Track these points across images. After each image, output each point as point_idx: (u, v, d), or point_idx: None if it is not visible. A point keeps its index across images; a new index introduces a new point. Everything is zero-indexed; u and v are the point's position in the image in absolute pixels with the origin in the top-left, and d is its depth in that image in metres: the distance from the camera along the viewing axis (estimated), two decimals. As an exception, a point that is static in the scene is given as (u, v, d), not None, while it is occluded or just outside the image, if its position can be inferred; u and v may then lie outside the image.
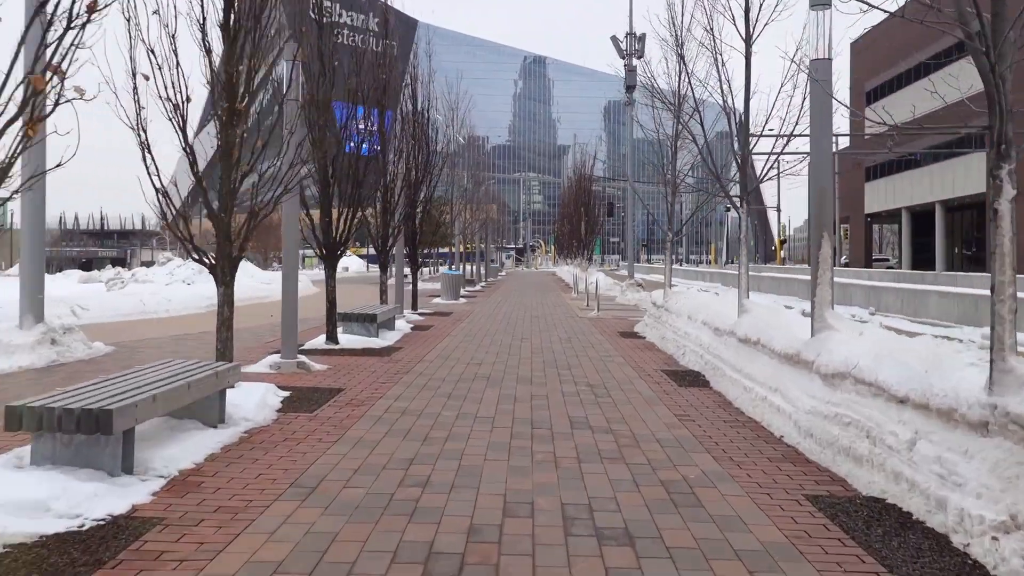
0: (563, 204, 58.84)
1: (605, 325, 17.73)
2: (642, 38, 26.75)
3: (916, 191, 58.01)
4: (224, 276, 8.05)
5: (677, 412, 7.71)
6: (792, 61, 8.59)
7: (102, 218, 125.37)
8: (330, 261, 12.23)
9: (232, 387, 7.27)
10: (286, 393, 8.29)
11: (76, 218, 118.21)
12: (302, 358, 10.23)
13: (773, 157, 9.97)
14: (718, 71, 9.77)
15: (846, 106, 7.92)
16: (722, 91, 9.79)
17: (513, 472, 5.48)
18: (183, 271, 25.35)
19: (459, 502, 4.78)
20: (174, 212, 7.90)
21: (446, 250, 45.63)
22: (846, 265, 72.87)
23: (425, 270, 57.17)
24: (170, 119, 7.73)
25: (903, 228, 63.17)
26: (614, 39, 26.61)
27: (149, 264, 39.15)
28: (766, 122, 9.70)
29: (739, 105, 9.72)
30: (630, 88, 26.78)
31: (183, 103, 7.77)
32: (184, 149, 7.81)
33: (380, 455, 5.92)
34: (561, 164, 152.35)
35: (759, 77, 9.60)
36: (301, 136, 9.22)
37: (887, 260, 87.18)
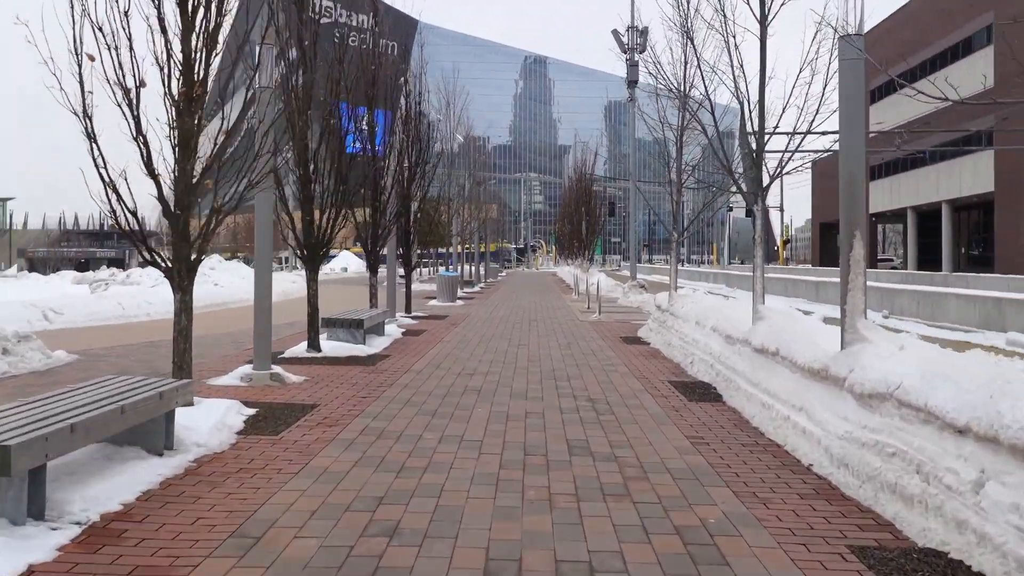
0: (564, 203, 57.97)
1: (607, 329, 16.88)
2: (644, 31, 25.89)
3: (922, 190, 57.09)
4: (181, 281, 7.21)
5: (689, 434, 6.85)
6: (818, 34, 7.73)
7: (101, 218, 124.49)
8: (311, 263, 11.38)
9: (187, 406, 6.44)
10: (252, 411, 7.44)
11: (76, 219, 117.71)
12: (276, 369, 9.38)
13: (788, 150, 9.11)
14: (730, 55, 8.91)
15: (900, 81, 7.03)
16: (734, 77, 8.93)
17: (499, 515, 4.62)
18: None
19: (431, 559, 3.93)
20: (126, 209, 7.05)
21: (445, 250, 44.81)
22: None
23: (425, 271, 56.38)
24: (119, 105, 6.88)
25: (908, 228, 62.22)
26: (615, 33, 25.75)
27: (144, 265, 38.42)
28: (783, 111, 8.85)
29: (753, 93, 8.87)
30: (632, 83, 25.92)
31: (135, 87, 6.93)
32: (135, 139, 6.96)
33: (345, 491, 5.06)
34: (562, 164, 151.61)
35: (774, 63, 8.75)
36: (268, 125, 8.35)
37: (891, 260, 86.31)
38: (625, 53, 25.92)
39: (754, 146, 8.74)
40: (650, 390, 9.18)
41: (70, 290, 25.82)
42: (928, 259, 58.69)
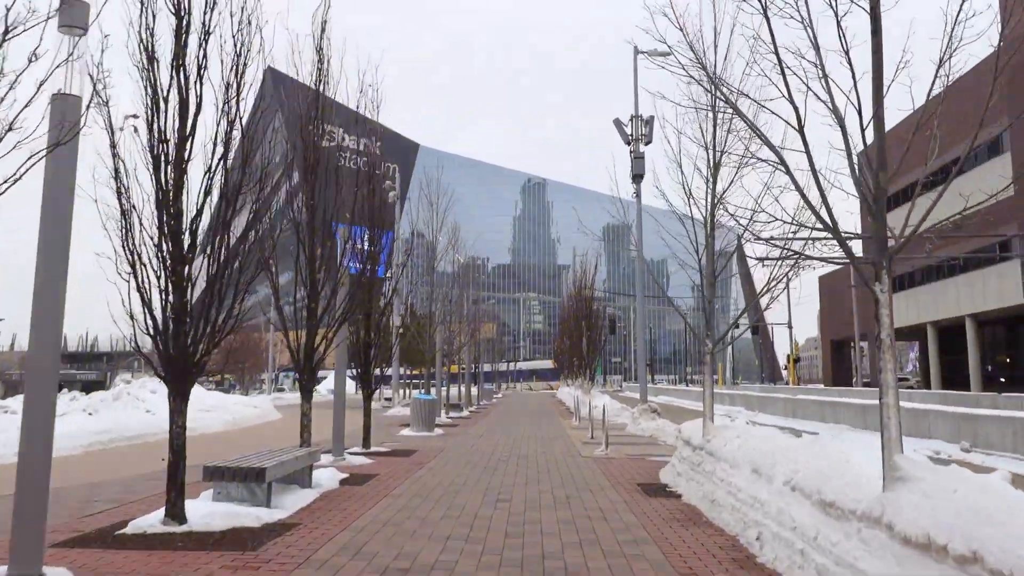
0: (563, 320, 54.54)
1: (618, 470, 12.85)
2: (649, 121, 22.96)
3: (941, 304, 53.59)
4: None
5: None
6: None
7: (89, 339, 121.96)
8: (178, 388, 7.50)
9: None
10: None
11: (65, 340, 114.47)
12: (55, 572, 5.38)
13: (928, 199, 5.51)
14: (813, 39, 5.39)
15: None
16: (824, 78, 5.40)
17: None
18: (85, 400, 20.58)
19: None
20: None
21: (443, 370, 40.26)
22: (866, 385, 67.75)
23: (413, 392, 52.00)
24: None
25: (929, 345, 58.28)
26: (617, 123, 22.77)
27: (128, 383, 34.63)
28: (915, 131, 5.28)
29: (863, 97, 5.30)
30: (637, 177, 22.78)
31: None
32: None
33: None
34: (561, 283, 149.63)
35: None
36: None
37: (907, 380, 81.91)
38: (628, 144, 22.86)
39: (871, 186, 5.09)
40: (712, 608, 5.19)
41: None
42: (953, 378, 54.61)
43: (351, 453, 14.88)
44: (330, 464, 12.77)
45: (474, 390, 42.81)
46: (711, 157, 10.16)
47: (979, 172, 43.51)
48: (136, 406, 21.59)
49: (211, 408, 24.70)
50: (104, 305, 6.99)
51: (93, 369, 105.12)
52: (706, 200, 10.79)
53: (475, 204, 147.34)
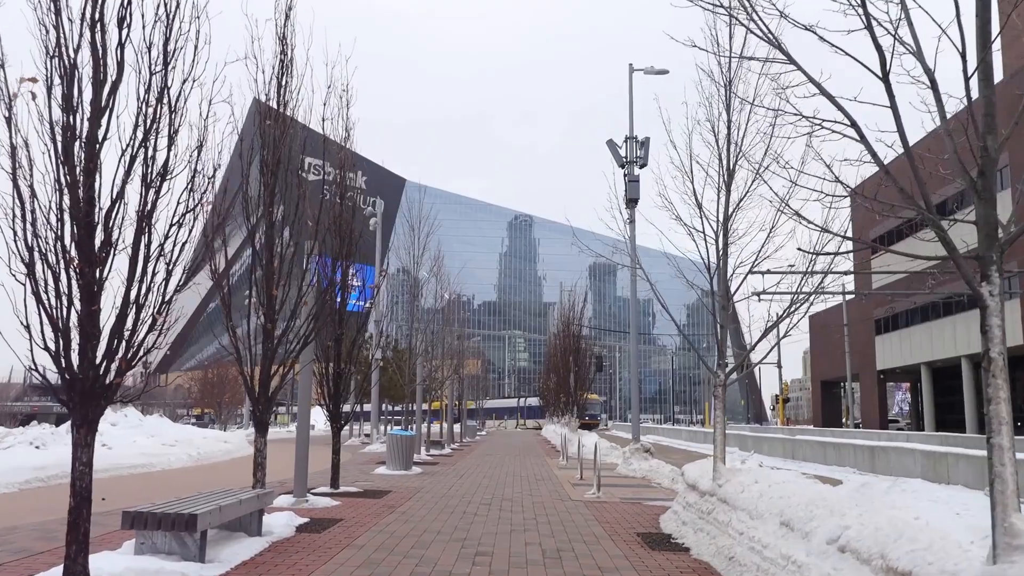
0: (549, 354, 53.18)
1: (614, 517, 11.44)
2: (645, 143, 21.90)
3: (936, 345, 52.48)
4: None
5: None
6: None
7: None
8: (84, 415, 6.09)
9: None
10: None
11: (44, 371, 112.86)
12: None
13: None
14: None
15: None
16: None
17: None
18: (35, 431, 18.97)
19: None
20: None
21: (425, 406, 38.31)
22: (857, 426, 66.35)
23: (397, 428, 50.25)
24: None
25: (923, 386, 57.02)
26: (611, 144, 21.67)
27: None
28: None
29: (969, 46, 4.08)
30: (632, 201, 21.63)
31: None
32: None
33: None
34: (547, 322, 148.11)
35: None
36: None
37: (897, 422, 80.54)
38: (622, 167, 21.74)
39: (989, 144, 3.84)
40: None
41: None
42: (948, 420, 53.35)
43: (316, 494, 13.42)
44: (290, 507, 11.31)
45: (457, 427, 41.17)
46: (725, 154, 8.96)
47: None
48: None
49: (176, 442, 23.12)
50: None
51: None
52: (717, 210, 9.58)
53: (461, 240, 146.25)
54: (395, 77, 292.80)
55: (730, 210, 9.64)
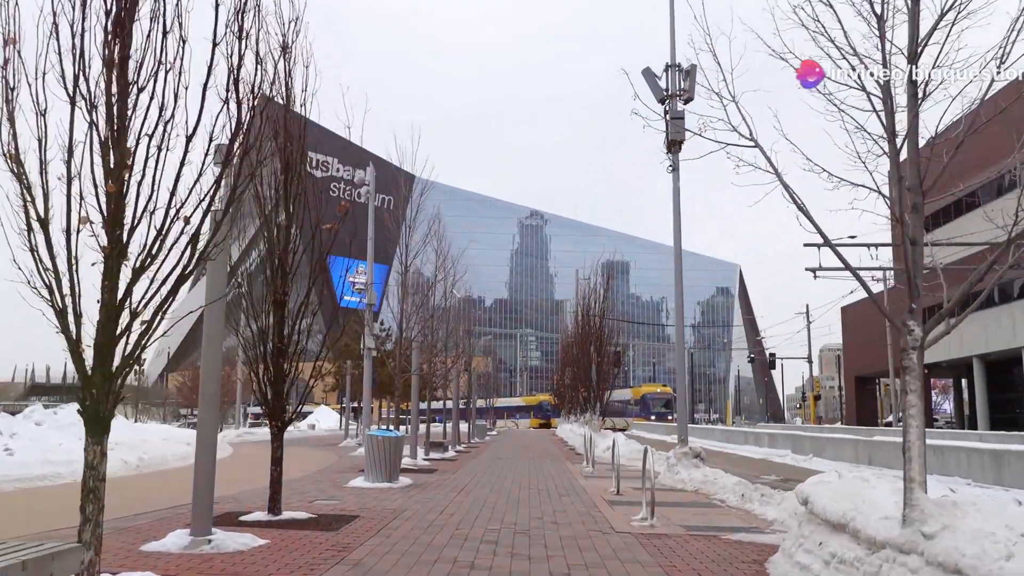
0: (565, 348, 48.91)
1: (689, 567, 7.11)
2: (691, 71, 17.52)
3: (992, 336, 47.62)
4: None
5: None
6: None
7: (69, 371, 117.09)
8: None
9: None
10: None
11: (47, 371, 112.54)
12: None
13: None
14: None
15: None
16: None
17: None
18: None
19: None
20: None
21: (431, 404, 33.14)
22: (888, 424, 61.37)
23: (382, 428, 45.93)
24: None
25: (976, 381, 52.11)
26: (648, 72, 17.33)
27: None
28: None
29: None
30: (674, 144, 17.36)
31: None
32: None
33: None
34: (558, 320, 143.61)
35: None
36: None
37: (937, 421, 75.64)
38: (663, 102, 17.41)
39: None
40: None
41: None
42: (1005, 419, 48.50)
43: (243, 523, 9.20)
44: (181, 550, 7.11)
45: (464, 426, 36.73)
46: None
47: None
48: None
49: (114, 445, 18.83)
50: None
51: (71, 402, 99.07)
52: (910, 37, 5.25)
53: (471, 237, 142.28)
54: (395, 77, 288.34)
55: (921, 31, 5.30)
